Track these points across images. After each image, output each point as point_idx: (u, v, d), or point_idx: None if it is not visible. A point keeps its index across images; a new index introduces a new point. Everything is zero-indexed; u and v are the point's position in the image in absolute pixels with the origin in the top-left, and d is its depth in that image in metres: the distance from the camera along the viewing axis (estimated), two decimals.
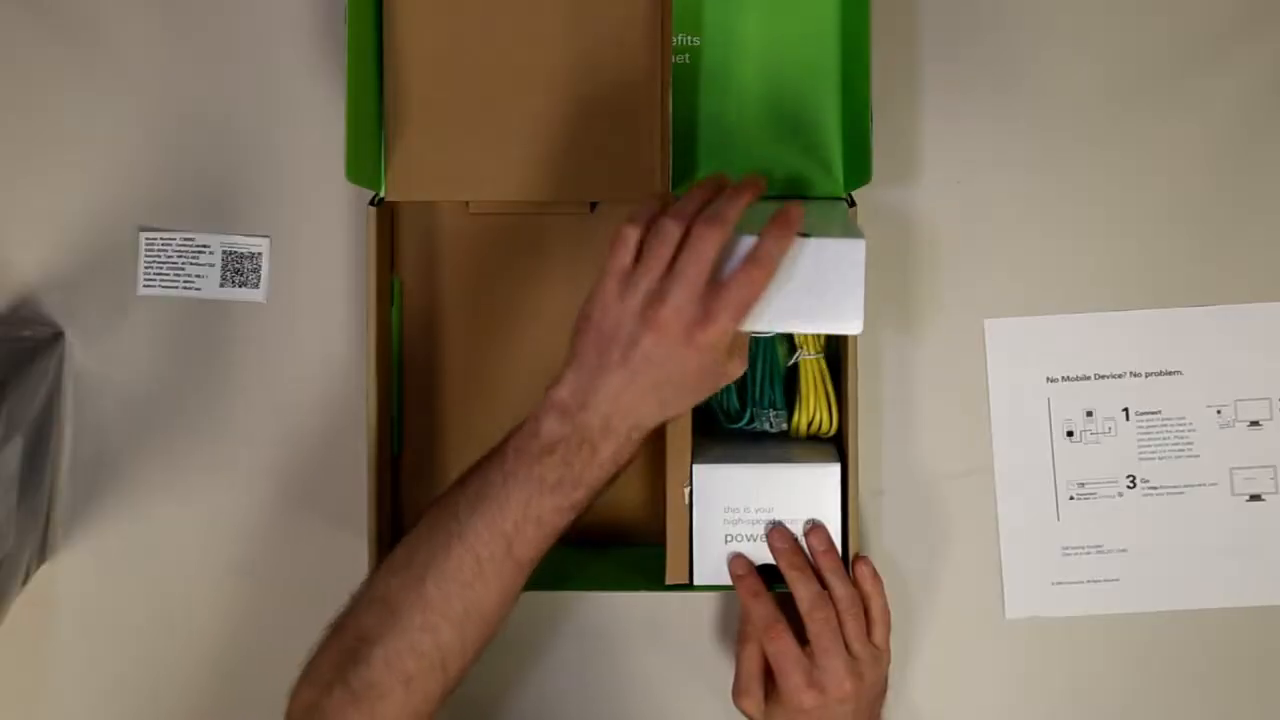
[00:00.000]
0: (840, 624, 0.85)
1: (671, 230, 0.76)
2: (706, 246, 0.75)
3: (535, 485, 0.77)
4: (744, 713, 0.87)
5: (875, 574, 0.88)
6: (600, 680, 0.94)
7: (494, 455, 0.80)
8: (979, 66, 0.96)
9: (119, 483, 0.94)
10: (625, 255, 0.77)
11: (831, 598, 0.86)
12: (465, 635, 0.78)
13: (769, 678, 0.87)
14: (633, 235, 0.78)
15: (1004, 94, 0.96)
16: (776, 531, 0.87)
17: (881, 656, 0.87)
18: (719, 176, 0.82)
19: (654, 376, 0.76)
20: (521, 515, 0.77)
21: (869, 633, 0.87)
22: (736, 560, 0.88)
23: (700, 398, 0.79)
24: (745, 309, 0.76)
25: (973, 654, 0.94)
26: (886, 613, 0.88)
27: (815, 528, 0.88)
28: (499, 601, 0.79)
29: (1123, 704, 0.94)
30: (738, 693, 0.88)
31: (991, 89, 0.96)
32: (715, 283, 0.76)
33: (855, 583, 0.87)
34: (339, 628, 0.81)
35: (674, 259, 0.76)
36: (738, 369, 0.79)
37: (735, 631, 0.90)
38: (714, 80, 0.91)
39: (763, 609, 0.86)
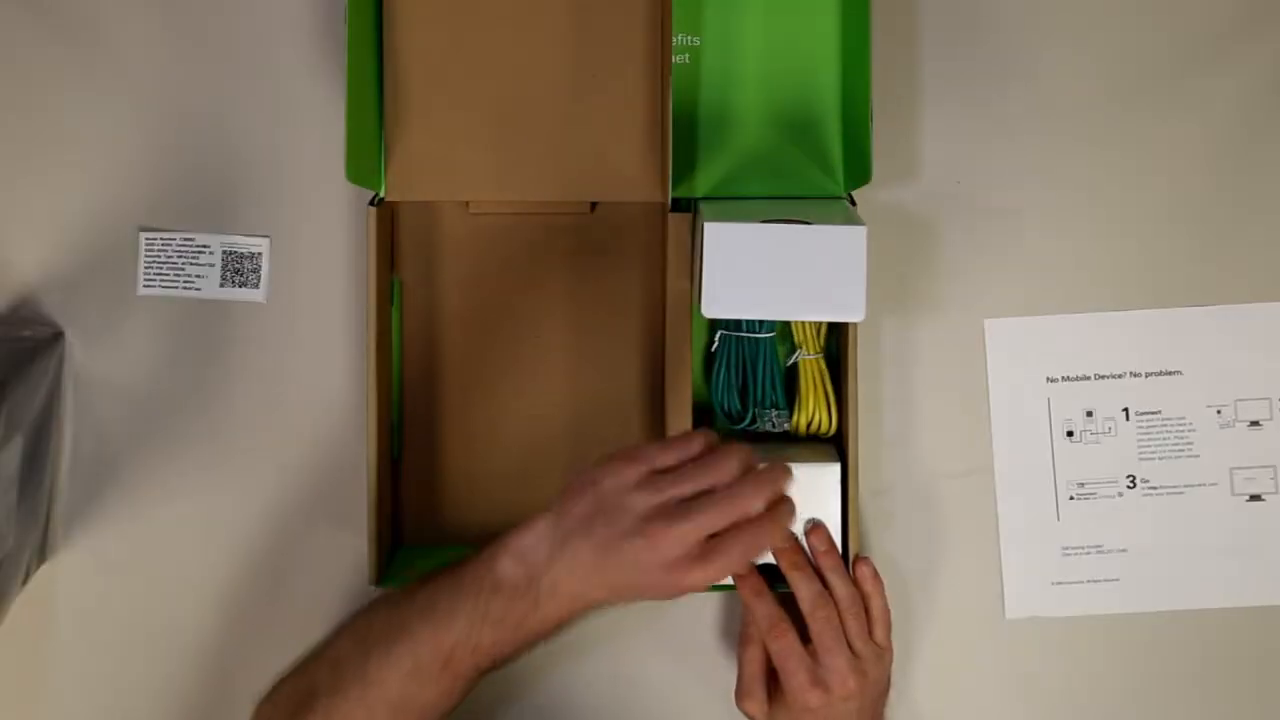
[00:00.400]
0: (842, 622, 0.85)
1: (731, 467, 0.77)
2: (745, 501, 0.76)
3: (479, 616, 0.77)
4: (747, 715, 0.87)
5: (875, 574, 0.88)
6: (599, 681, 0.94)
7: (452, 572, 0.80)
8: (979, 67, 0.96)
9: (119, 483, 0.94)
10: (671, 454, 0.78)
11: (833, 597, 0.86)
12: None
13: (772, 678, 0.86)
14: (697, 445, 0.78)
15: (1004, 94, 0.96)
16: None
17: (884, 654, 0.87)
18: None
19: (621, 572, 0.76)
20: (462, 638, 0.78)
21: (870, 631, 0.87)
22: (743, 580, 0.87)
23: (649, 599, 0.79)
24: (730, 571, 0.76)
25: (973, 654, 0.94)
26: (887, 612, 0.88)
27: (815, 527, 0.88)
28: (436, 702, 0.79)
29: (1123, 704, 0.94)
30: (741, 694, 0.88)
31: (991, 89, 0.96)
32: (722, 535, 0.76)
33: (856, 582, 0.87)
34: (301, 669, 0.81)
35: (707, 493, 0.76)
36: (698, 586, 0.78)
37: (736, 632, 0.90)
38: (714, 80, 0.91)
39: (765, 608, 0.86)
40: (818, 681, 0.84)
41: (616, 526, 0.76)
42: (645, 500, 0.76)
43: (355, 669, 0.78)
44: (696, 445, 0.79)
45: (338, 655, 0.80)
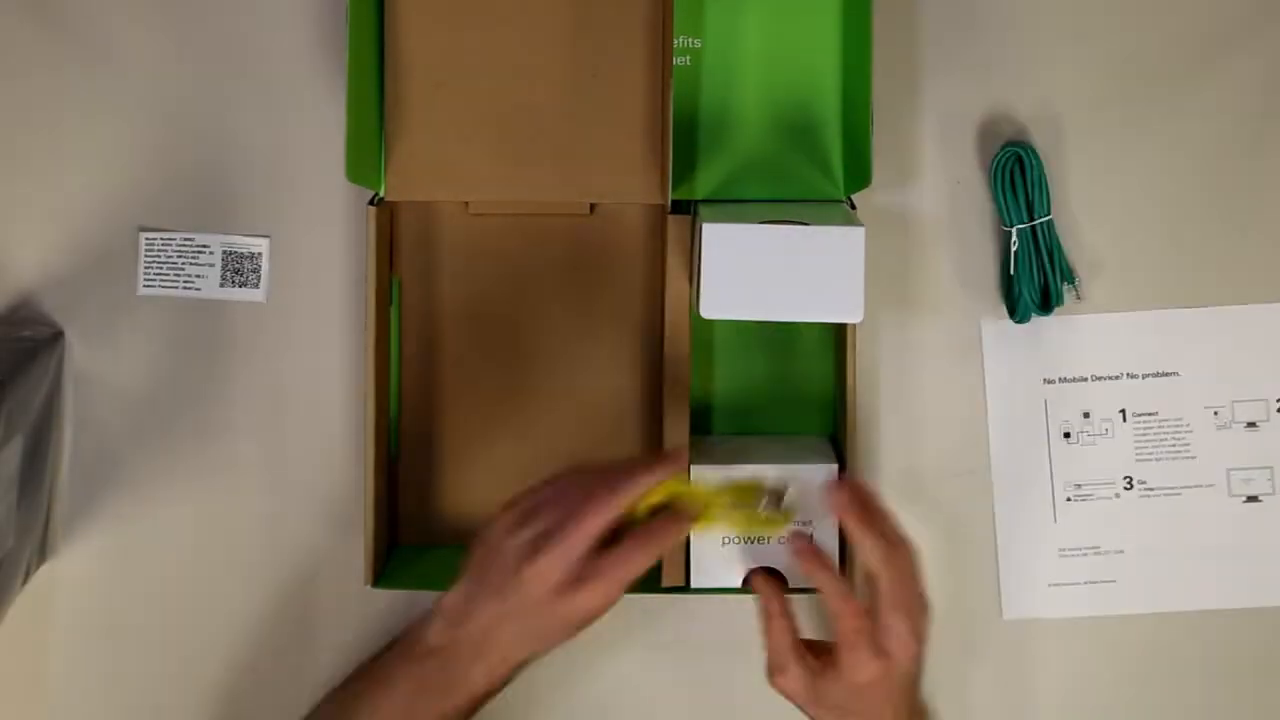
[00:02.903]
0: (906, 578, 0.80)
1: (564, 487, 0.80)
2: (590, 520, 0.77)
3: (416, 683, 0.80)
4: (783, 692, 0.83)
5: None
6: (595, 683, 0.95)
7: (395, 643, 0.83)
8: (979, 67, 0.96)
9: (119, 483, 0.94)
10: (535, 496, 0.80)
11: (885, 555, 0.80)
12: None
13: (807, 649, 0.82)
14: (561, 479, 0.81)
15: (1004, 94, 0.96)
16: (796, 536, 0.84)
17: (928, 601, 0.82)
18: (657, 455, 0.83)
19: (523, 617, 0.78)
20: (404, 708, 0.80)
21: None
22: (793, 539, 0.83)
23: (565, 640, 0.81)
24: (621, 585, 0.78)
25: (970, 655, 0.95)
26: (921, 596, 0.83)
27: (835, 482, 0.84)
28: None
29: (1120, 705, 0.95)
30: (774, 670, 0.82)
31: (991, 89, 0.96)
32: (598, 552, 0.78)
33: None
34: None
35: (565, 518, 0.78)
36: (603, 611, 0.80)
37: (733, 634, 0.91)
38: (715, 82, 0.91)
39: (833, 582, 0.80)
40: (879, 651, 0.79)
41: (502, 574, 0.79)
42: (513, 542, 0.79)
43: None
44: (558, 478, 0.82)
45: None
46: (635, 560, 0.78)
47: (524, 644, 0.80)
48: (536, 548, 0.78)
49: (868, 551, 0.80)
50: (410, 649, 0.82)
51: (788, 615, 0.83)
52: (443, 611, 0.81)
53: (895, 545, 0.80)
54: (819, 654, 0.82)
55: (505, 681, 0.81)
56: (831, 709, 0.82)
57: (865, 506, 0.81)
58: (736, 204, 0.89)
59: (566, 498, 0.79)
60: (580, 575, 0.78)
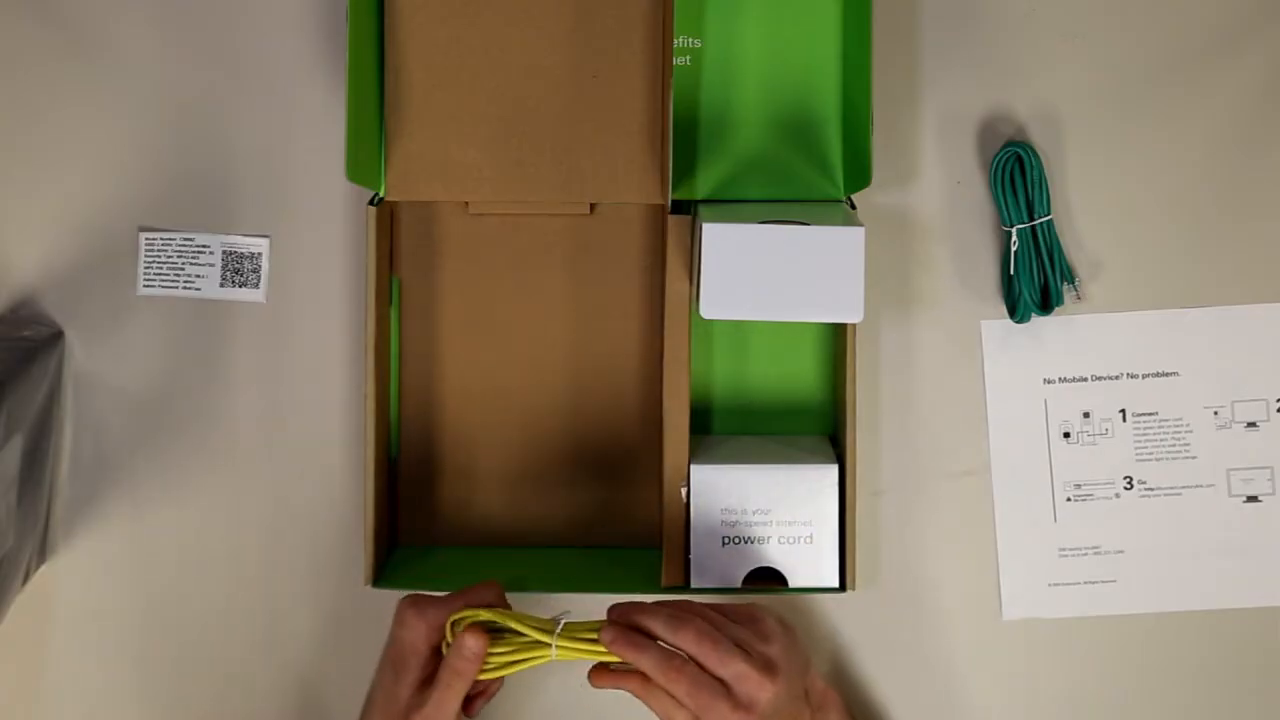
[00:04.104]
0: (716, 638, 0.79)
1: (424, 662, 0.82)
2: (453, 693, 0.81)
3: None
4: None
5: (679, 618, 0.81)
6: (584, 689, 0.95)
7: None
8: (979, 67, 0.96)
9: (119, 483, 0.94)
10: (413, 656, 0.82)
11: (689, 636, 0.79)
12: None
13: None
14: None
15: (1004, 94, 0.96)
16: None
17: (775, 638, 0.81)
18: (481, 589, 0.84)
19: None
20: None
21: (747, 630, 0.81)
22: (595, 671, 0.82)
23: None
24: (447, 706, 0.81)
25: (970, 655, 0.95)
26: (745, 612, 0.83)
27: (606, 626, 0.81)
28: None
29: (1119, 705, 0.95)
30: None
31: (991, 89, 0.96)
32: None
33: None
34: None
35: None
36: None
37: None
38: (715, 82, 0.91)
39: (652, 656, 0.79)
40: (739, 704, 0.78)
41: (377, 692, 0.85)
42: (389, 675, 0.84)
43: None
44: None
45: None
46: (453, 686, 0.81)
47: None
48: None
49: (658, 634, 0.79)
50: None
51: (659, 690, 0.80)
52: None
53: (673, 641, 0.79)
54: None
55: None
56: None
57: (632, 633, 0.80)
58: (736, 204, 0.89)
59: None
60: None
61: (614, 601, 0.82)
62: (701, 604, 0.82)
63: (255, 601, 0.94)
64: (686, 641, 0.79)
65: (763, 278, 0.82)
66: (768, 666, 0.79)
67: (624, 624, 0.80)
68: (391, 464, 0.94)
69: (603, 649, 0.80)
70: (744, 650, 0.79)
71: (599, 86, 0.90)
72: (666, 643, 0.79)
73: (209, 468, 0.94)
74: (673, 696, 0.79)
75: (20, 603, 0.90)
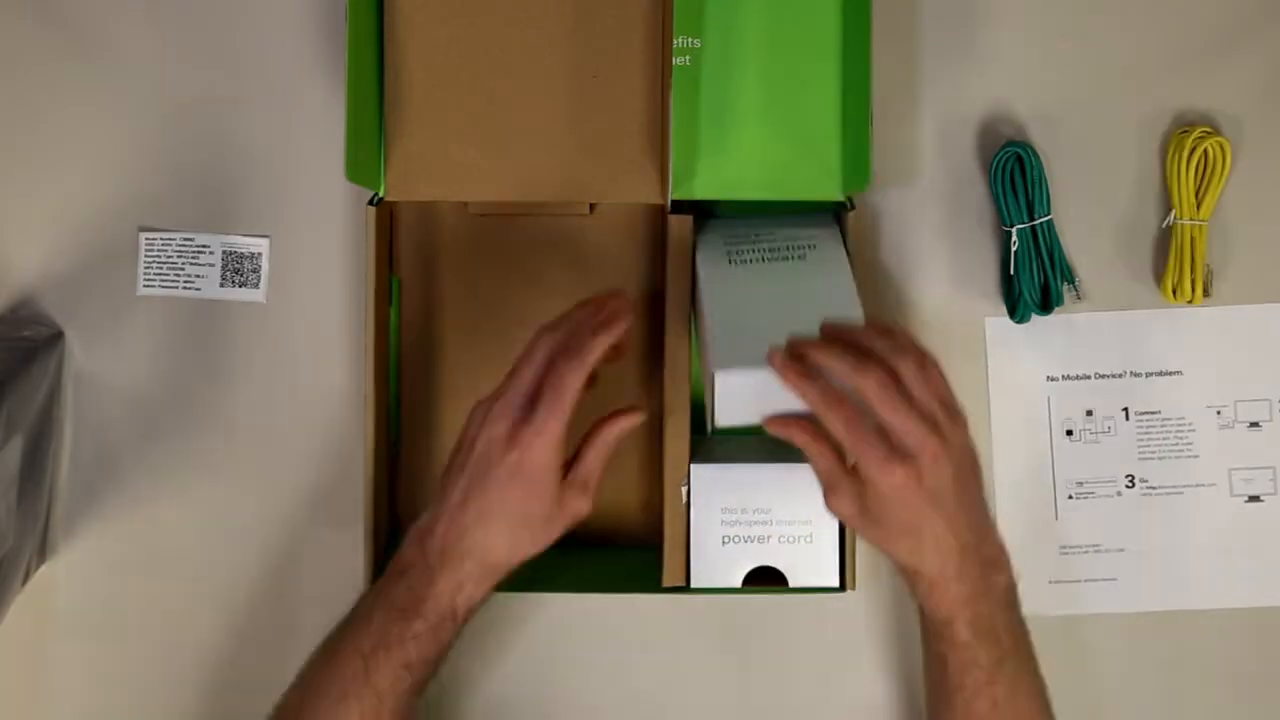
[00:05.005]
0: (895, 379, 0.74)
1: (536, 359, 0.79)
2: (541, 356, 0.78)
3: (386, 608, 0.79)
4: (839, 514, 0.78)
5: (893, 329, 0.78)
6: (596, 684, 0.94)
7: (376, 581, 0.83)
8: (978, 67, 0.96)
9: (119, 483, 0.94)
10: (505, 382, 0.80)
11: (871, 359, 0.75)
12: None
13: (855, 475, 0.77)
14: (536, 363, 0.79)
15: (1004, 94, 0.96)
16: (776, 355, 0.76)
17: (956, 413, 0.76)
18: (600, 300, 0.81)
19: (487, 489, 0.78)
20: (377, 638, 0.79)
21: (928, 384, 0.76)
22: (774, 355, 0.76)
23: (547, 534, 0.79)
24: (564, 395, 0.77)
25: None
26: (936, 363, 0.77)
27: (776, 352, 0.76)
28: None
29: (1119, 703, 0.95)
30: (828, 491, 0.77)
31: (991, 89, 0.96)
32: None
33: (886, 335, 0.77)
34: (283, 704, 0.82)
35: (538, 389, 0.78)
36: (583, 506, 0.80)
37: (735, 629, 0.90)
38: (714, 82, 0.91)
39: (818, 388, 0.74)
40: (895, 452, 0.74)
41: (475, 452, 0.78)
42: (486, 426, 0.78)
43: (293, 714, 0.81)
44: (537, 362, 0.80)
45: (284, 706, 0.82)
46: (567, 377, 0.77)
47: (494, 535, 0.78)
48: (517, 416, 0.78)
49: (838, 375, 0.74)
50: (385, 577, 0.81)
51: (823, 439, 0.77)
52: (416, 531, 0.80)
53: (867, 352, 0.75)
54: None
55: (477, 600, 0.79)
56: (883, 526, 0.76)
57: (809, 349, 0.76)
58: (733, 221, 0.90)
59: (527, 370, 0.79)
60: (532, 403, 0.77)
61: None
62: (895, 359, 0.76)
63: (256, 601, 0.94)
64: (868, 386, 0.74)
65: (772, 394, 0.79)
66: (943, 440, 0.74)
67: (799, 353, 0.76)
68: (392, 463, 0.94)
69: None
70: (925, 417, 0.74)
71: (599, 86, 0.90)
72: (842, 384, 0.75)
73: (209, 467, 0.94)
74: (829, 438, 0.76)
75: (20, 603, 0.90)
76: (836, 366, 0.74)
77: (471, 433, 0.80)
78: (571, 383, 0.77)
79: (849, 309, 0.83)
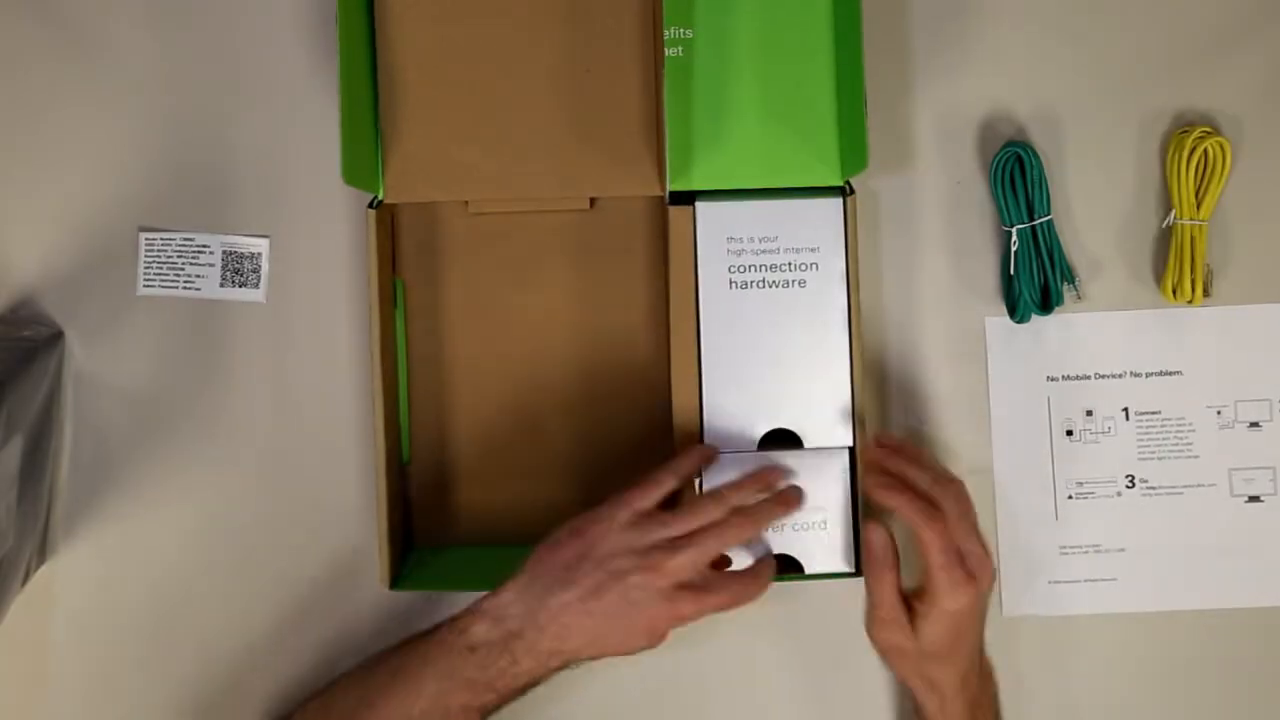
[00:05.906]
0: (972, 512, 0.83)
1: (712, 511, 0.81)
2: (734, 538, 0.81)
3: (448, 679, 0.79)
4: (888, 644, 0.84)
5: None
6: (606, 672, 0.94)
7: (418, 640, 0.82)
8: (978, 67, 0.96)
9: (119, 483, 0.94)
10: (648, 499, 0.82)
11: (951, 498, 0.83)
12: None
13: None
14: (668, 483, 0.82)
15: (1004, 94, 0.96)
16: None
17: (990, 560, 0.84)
18: (767, 474, 0.86)
19: (608, 616, 0.79)
20: (430, 704, 0.79)
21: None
22: (865, 451, 0.87)
23: (624, 652, 0.81)
24: (720, 609, 0.80)
25: None
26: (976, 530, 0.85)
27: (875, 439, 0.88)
28: None
29: (1119, 704, 0.94)
30: (879, 624, 0.84)
31: (991, 89, 0.96)
32: (715, 571, 0.81)
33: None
34: None
35: (696, 532, 0.80)
36: (662, 640, 0.81)
37: (746, 627, 0.90)
38: (708, 72, 0.91)
39: (917, 505, 0.82)
40: (970, 575, 0.81)
41: (607, 568, 0.79)
42: (636, 539, 0.79)
43: None
44: (685, 469, 0.83)
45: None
46: (742, 596, 0.81)
47: (589, 646, 0.80)
48: (674, 548, 0.79)
49: (909, 515, 0.82)
50: (444, 647, 0.80)
51: (896, 568, 0.84)
52: (488, 610, 0.80)
53: (940, 492, 0.82)
54: (911, 601, 0.83)
55: (547, 678, 0.81)
56: (928, 655, 0.83)
57: (892, 474, 0.85)
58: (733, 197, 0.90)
59: (705, 515, 0.81)
60: (705, 580, 0.79)
61: None
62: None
63: (257, 603, 0.94)
64: (949, 501, 0.82)
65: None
66: (988, 565, 0.82)
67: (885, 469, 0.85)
68: (404, 465, 0.94)
69: None
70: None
71: (593, 81, 0.90)
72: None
73: (209, 468, 0.94)
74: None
75: (20, 603, 0.90)
76: (908, 491, 0.83)
77: (611, 542, 0.80)
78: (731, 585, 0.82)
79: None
